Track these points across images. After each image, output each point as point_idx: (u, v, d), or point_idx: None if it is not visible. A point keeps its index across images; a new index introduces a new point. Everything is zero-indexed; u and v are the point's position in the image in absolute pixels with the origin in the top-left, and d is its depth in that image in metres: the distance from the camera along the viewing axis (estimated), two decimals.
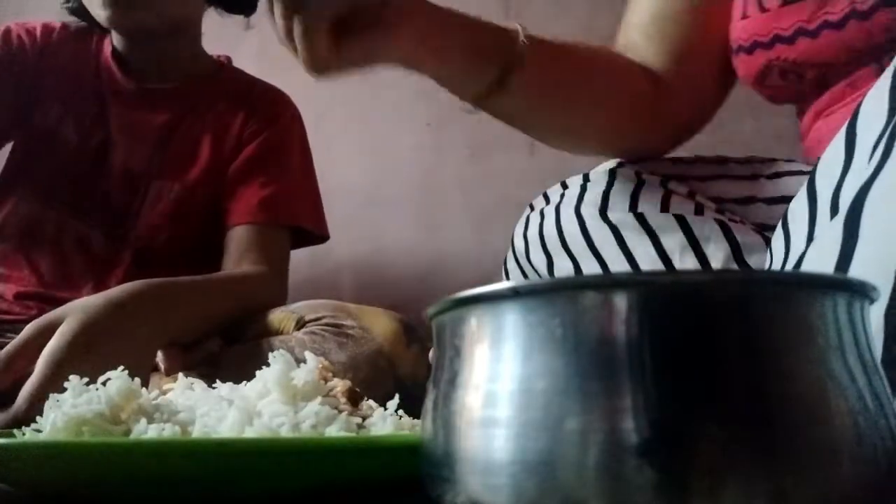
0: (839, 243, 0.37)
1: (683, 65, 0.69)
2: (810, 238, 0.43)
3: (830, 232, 0.38)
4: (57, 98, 1.01)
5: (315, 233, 1.06)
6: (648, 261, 0.63)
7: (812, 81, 0.61)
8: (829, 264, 0.37)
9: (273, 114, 1.06)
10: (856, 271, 0.35)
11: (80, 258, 0.98)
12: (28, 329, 0.67)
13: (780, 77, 0.62)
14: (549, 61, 0.61)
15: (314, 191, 1.08)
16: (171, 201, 1.00)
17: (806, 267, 0.40)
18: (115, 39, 1.04)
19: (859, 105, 0.41)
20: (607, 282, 0.24)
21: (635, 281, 0.24)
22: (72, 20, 1.05)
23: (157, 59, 1.03)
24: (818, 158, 0.45)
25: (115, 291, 0.73)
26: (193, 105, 1.04)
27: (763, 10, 0.61)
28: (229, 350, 0.84)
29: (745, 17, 0.63)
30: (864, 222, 0.36)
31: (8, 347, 0.65)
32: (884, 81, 0.40)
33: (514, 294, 0.24)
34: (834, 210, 0.40)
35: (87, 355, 0.65)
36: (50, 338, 0.66)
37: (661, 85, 0.69)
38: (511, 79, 0.59)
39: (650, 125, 0.70)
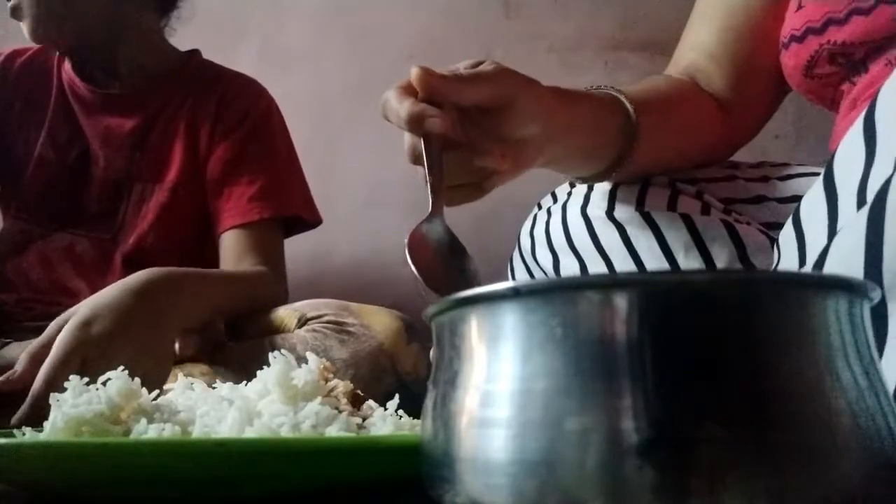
0: (863, 235, 0.36)
1: (745, 84, 0.70)
2: (832, 232, 0.42)
3: (856, 223, 0.37)
4: (29, 122, 1.01)
5: (307, 219, 1.04)
6: (652, 258, 0.63)
7: (860, 63, 0.61)
8: (857, 256, 0.37)
9: (246, 105, 1.04)
10: (888, 261, 0.35)
11: (68, 266, 0.98)
12: (51, 327, 0.68)
13: (829, 62, 0.62)
14: (655, 131, 0.62)
15: (301, 177, 1.07)
16: (154, 204, 0.99)
17: (831, 260, 0.40)
18: None
19: (876, 96, 0.41)
20: (607, 282, 0.24)
21: (635, 281, 0.23)
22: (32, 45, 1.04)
23: (110, 67, 1.01)
24: (832, 154, 0.45)
25: (131, 279, 0.74)
26: (162, 105, 1.02)
27: None
28: (232, 347, 0.84)
29: (800, 7, 0.63)
30: (889, 212, 0.35)
31: (32, 345, 0.66)
32: None
33: (514, 294, 0.24)
34: (861, 202, 0.40)
35: (91, 333, 0.66)
36: None
37: (725, 110, 0.70)
38: (626, 160, 0.61)
39: (714, 148, 0.71)
